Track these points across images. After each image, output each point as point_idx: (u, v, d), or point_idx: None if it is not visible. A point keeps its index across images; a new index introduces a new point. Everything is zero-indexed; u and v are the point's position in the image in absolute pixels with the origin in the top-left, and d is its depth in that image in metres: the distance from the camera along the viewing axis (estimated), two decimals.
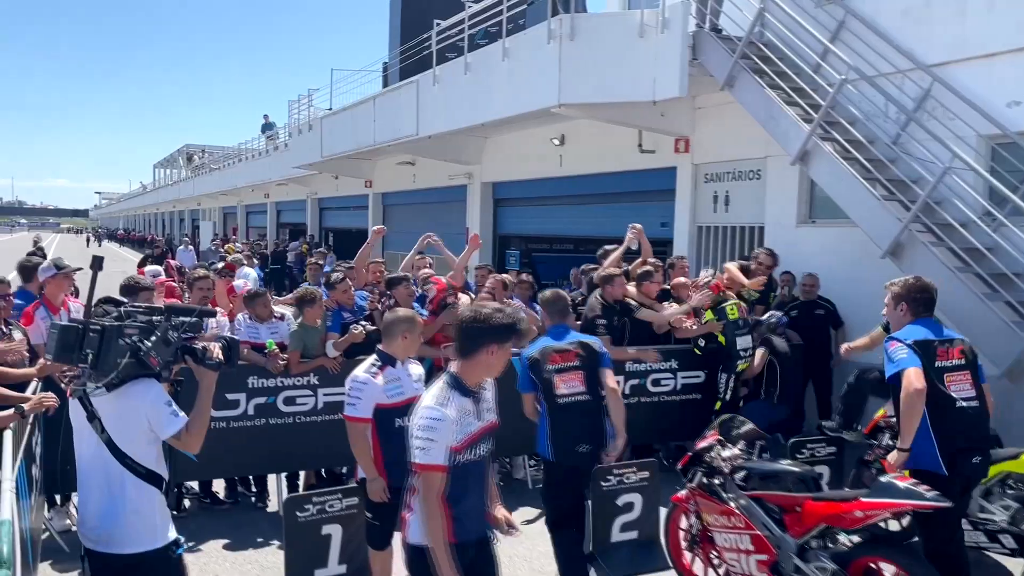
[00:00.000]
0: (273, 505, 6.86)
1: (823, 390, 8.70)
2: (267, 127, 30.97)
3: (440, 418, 3.17)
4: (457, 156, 16.76)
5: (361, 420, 4.59)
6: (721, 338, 7.37)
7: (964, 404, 4.44)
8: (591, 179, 13.69)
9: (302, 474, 7.08)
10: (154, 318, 3.29)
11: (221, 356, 3.40)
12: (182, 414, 3.26)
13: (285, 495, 6.73)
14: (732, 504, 4.48)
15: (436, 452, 3.17)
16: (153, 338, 3.20)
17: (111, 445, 3.18)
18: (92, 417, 3.21)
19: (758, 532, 4.30)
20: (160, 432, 3.22)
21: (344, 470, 6.93)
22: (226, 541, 6.19)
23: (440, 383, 3.32)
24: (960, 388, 4.48)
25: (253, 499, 6.96)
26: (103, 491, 3.22)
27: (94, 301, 3.47)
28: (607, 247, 9.46)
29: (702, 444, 4.74)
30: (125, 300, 3.77)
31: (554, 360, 5.05)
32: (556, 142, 14.12)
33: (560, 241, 16.87)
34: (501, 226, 17.35)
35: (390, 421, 4.59)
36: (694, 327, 7.57)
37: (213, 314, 5.20)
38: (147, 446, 3.24)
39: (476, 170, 17.12)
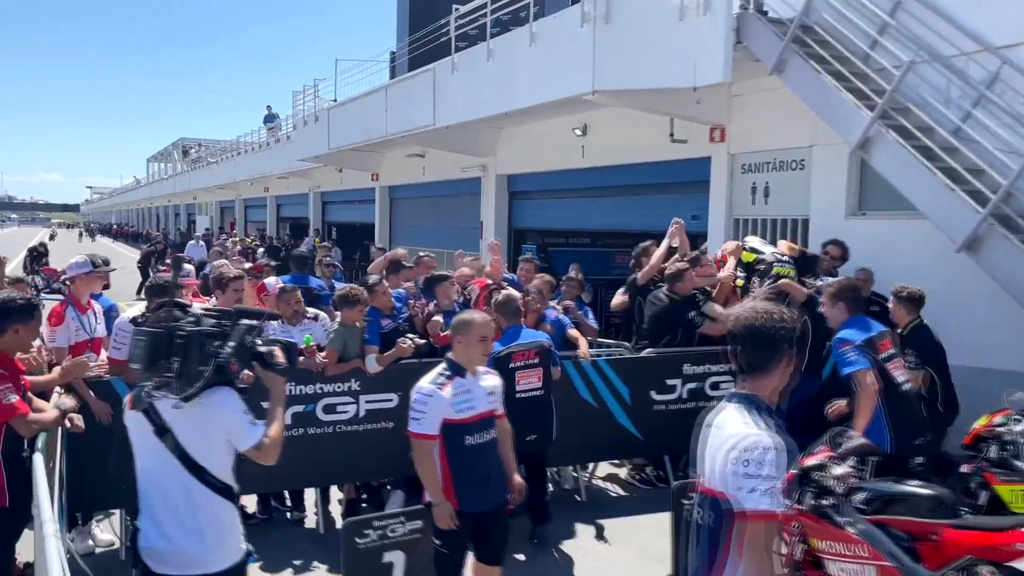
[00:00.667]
0: (310, 520, 6.37)
1: None
2: (270, 118, 30.32)
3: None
4: (471, 148, 16.25)
5: (426, 437, 4.12)
6: None
7: (905, 388, 5.13)
8: (616, 170, 13.20)
9: (335, 487, 6.59)
10: (223, 322, 3.11)
11: (284, 360, 3.22)
12: (260, 423, 3.10)
13: (321, 509, 6.25)
14: (850, 530, 3.99)
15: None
16: (231, 344, 3.01)
17: (186, 460, 2.98)
18: (162, 431, 2.98)
19: (886, 563, 3.82)
20: (239, 443, 3.06)
21: (387, 484, 6.44)
22: (262, 561, 5.69)
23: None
24: (899, 374, 5.12)
25: (288, 514, 6.46)
26: (180, 510, 3.00)
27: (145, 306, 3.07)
28: (644, 244, 8.98)
29: (811, 461, 4.25)
30: (185, 303, 3.38)
31: (516, 358, 5.77)
32: (578, 132, 13.62)
33: (579, 235, 16.39)
34: (517, 220, 16.85)
35: (459, 438, 4.13)
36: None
37: (277, 317, 4.75)
38: (224, 458, 3.07)
39: (491, 162, 16.61)
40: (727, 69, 8.98)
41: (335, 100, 21.01)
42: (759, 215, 10.51)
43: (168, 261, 13.82)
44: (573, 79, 10.23)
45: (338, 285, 7.77)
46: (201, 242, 24.24)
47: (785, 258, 8.07)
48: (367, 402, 6.12)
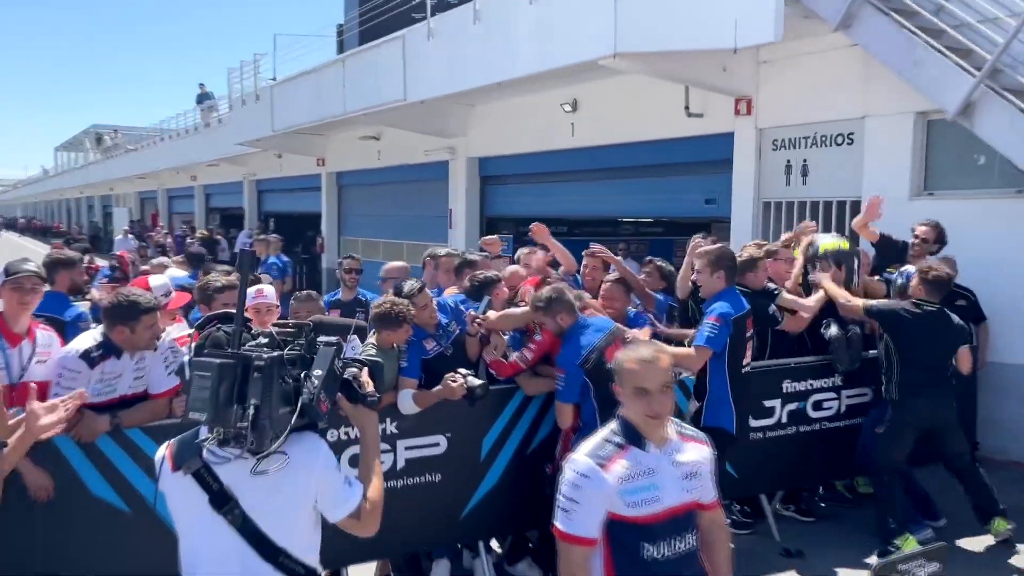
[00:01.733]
0: None
1: (967, 401, 7.02)
2: (203, 98, 27.78)
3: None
4: (438, 128, 14.67)
5: (580, 541, 2.61)
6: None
7: (747, 370, 5.10)
8: (612, 150, 11.82)
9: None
10: (299, 341, 2.33)
11: (373, 388, 2.52)
12: (357, 482, 2.37)
13: None
14: None
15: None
16: (318, 372, 2.24)
17: (259, 540, 2.22)
18: (222, 501, 2.21)
19: None
20: (332, 511, 2.31)
21: (429, 553, 4.92)
22: None
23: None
24: (747, 356, 5.10)
25: None
26: None
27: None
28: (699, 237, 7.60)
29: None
30: (245, 316, 2.38)
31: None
32: (567, 108, 12.20)
33: (561, 223, 14.98)
34: (489, 207, 15.35)
35: (634, 545, 2.63)
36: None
37: (363, 329, 3.26)
38: (310, 534, 2.35)
39: (460, 143, 15.05)
40: (779, 25, 7.68)
41: (274, 79, 19.09)
42: (795, 197, 9.30)
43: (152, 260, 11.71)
44: (589, 41, 8.81)
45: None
46: (130, 236, 21.93)
47: (833, 235, 6.89)
48: (407, 448, 4.59)
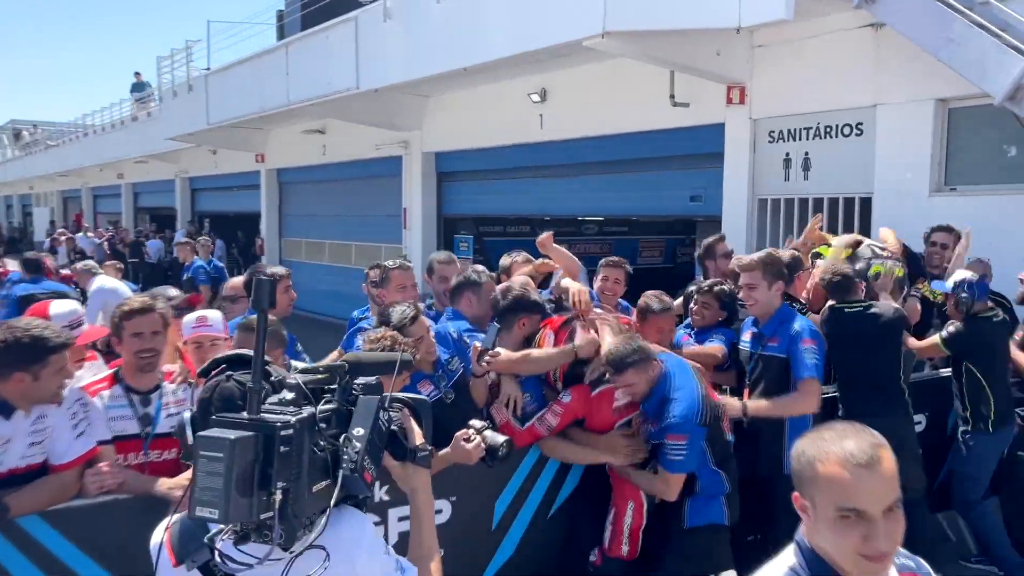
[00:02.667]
0: None
1: None
2: (138, 87, 25.88)
3: None
4: (390, 120, 13.55)
5: None
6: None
7: None
8: (586, 144, 10.91)
9: None
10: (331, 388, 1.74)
11: (424, 439, 1.94)
12: (408, 565, 1.82)
13: None
14: None
15: None
16: (359, 431, 1.67)
17: None
18: None
19: None
20: None
21: None
22: None
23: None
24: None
25: None
26: None
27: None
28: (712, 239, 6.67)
29: None
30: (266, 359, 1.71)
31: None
32: (536, 98, 11.24)
33: (524, 223, 14.04)
34: (447, 206, 14.29)
35: None
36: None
37: (409, 364, 2.32)
38: None
39: (414, 137, 13.96)
40: (790, 1, 6.86)
41: (208, 68, 17.69)
42: (795, 193, 8.49)
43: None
44: (574, 18, 7.85)
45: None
46: (90, 233, 20.15)
47: (886, 253, 6.02)
48: (401, 519, 3.54)
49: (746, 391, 4.20)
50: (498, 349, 3.86)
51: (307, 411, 1.65)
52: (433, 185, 14.17)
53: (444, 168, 14.05)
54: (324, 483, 1.64)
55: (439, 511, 3.63)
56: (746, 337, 4.31)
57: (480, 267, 4.78)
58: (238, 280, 5.45)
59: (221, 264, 13.84)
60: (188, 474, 2.95)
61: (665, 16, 7.52)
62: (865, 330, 4.45)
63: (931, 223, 7.16)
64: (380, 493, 3.51)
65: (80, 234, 21.48)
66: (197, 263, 11.61)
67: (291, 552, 1.58)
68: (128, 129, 24.79)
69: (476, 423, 3.39)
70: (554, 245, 5.10)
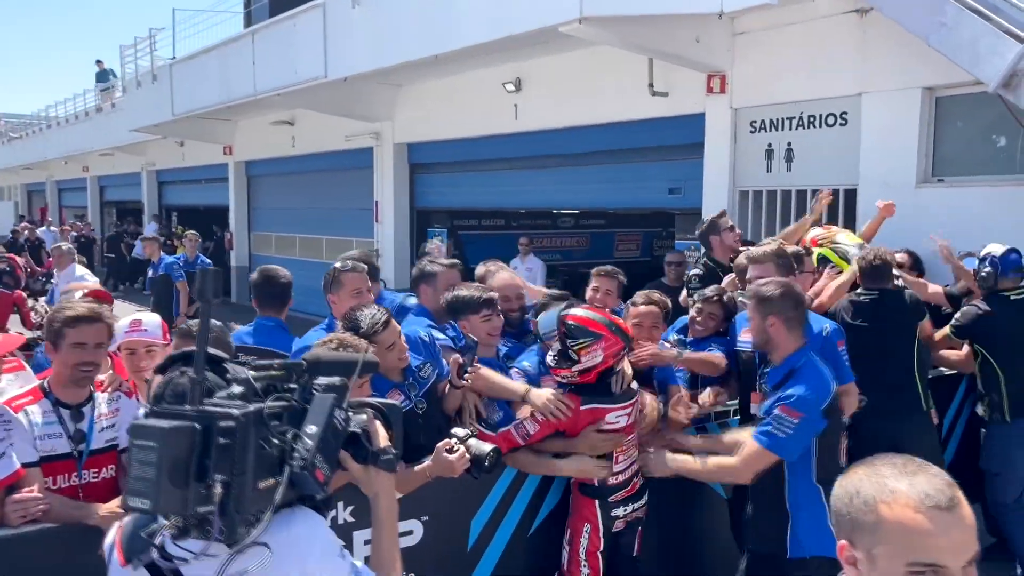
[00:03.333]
0: None
1: None
2: (102, 76, 25.09)
3: None
4: (360, 110, 13.17)
5: None
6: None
7: None
8: (563, 134, 10.61)
9: None
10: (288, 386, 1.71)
11: (391, 442, 1.84)
12: (367, 571, 1.73)
13: None
14: None
15: None
16: (312, 428, 1.62)
17: None
18: None
19: None
20: None
21: None
22: None
23: None
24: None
25: None
26: None
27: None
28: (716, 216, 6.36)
29: None
30: (218, 354, 1.73)
31: None
32: (510, 88, 10.94)
33: (498, 216, 13.76)
34: (420, 198, 13.93)
35: None
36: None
37: (376, 367, 2.20)
38: None
39: (386, 128, 13.59)
40: None
41: (173, 58, 17.18)
42: (777, 185, 8.27)
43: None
44: (550, 3, 7.57)
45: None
46: (52, 227, 19.54)
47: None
48: (366, 543, 3.23)
49: (754, 394, 3.83)
50: (478, 364, 3.56)
51: (255, 406, 1.59)
52: (405, 177, 13.82)
53: (417, 160, 13.71)
54: (272, 480, 1.58)
55: (410, 532, 3.34)
56: (744, 336, 3.89)
57: (433, 259, 4.49)
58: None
59: (208, 261, 13.25)
60: None
61: (644, 1, 7.24)
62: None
63: (918, 215, 6.99)
64: (344, 514, 3.22)
65: (43, 228, 20.87)
66: (167, 259, 11.12)
67: (232, 548, 1.54)
68: (92, 121, 24.14)
69: (459, 431, 3.13)
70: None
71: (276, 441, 1.60)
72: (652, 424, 3.72)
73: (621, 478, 3.56)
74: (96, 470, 2.96)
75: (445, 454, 2.99)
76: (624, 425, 3.51)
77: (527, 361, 3.82)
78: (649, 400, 3.74)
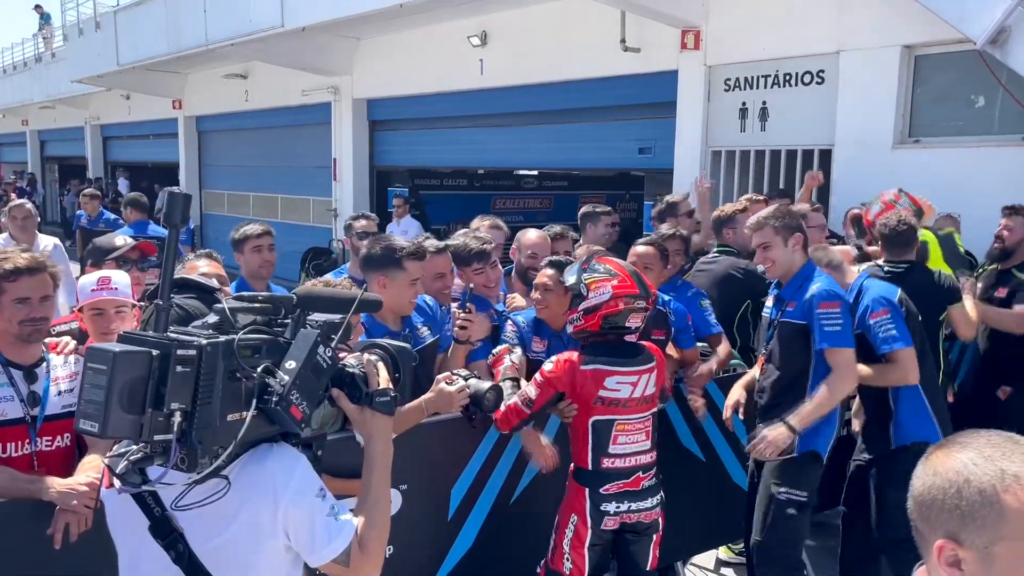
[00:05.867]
0: None
1: None
2: (44, 21, 23.84)
3: None
4: (318, 64, 12.70)
5: None
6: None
7: None
8: (530, 91, 10.33)
9: None
10: (276, 319, 1.73)
11: (391, 384, 1.82)
12: (348, 514, 1.71)
13: None
14: None
15: None
16: (291, 364, 1.62)
17: None
18: (164, 530, 1.67)
19: None
20: (311, 553, 1.68)
21: None
22: None
23: None
24: None
25: None
26: None
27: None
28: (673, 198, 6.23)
29: None
30: (208, 284, 2.02)
31: None
32: (475, 41, 10.58)
33: (462, 176, 13.44)
34: (380, 157, 13.55)
35: None
36: None
37: (376, 306, 1.96)
38: None
39: (344, 82, 13.14)
40: None
41: (117, 4, 16.39)
42: (751, 145, 8.12)
43: None
44: None
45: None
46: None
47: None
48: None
49: (760, 359, 3.72)
50: (471, 306, 3.43)
51: (225, 337, 1.58)
52: (365, 134, 13.41)
53: (377, 116, 13.29)
54: (242, 413, 1.58)
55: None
56: (768, 302, 3.79)
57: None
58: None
59: (113, 217, 12.59)
60: (83, 474, 2.39)
61: None
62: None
63: (895, 177, 6.84)
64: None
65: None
66: (105, 214, 10.55)
67: (191, 478, 1.54)
68: (31, 71, 23.07)
69: (462, 371, 3.01)
70: None
71: (252, 374, 1.59)
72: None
73: (619, 463, 3.13)
74: (51, 437, 2.67)
75: (445, 385, 2.82)
76: (627, 396, 3.11)
77: (522, 316, 3.67)
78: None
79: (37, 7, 24.14)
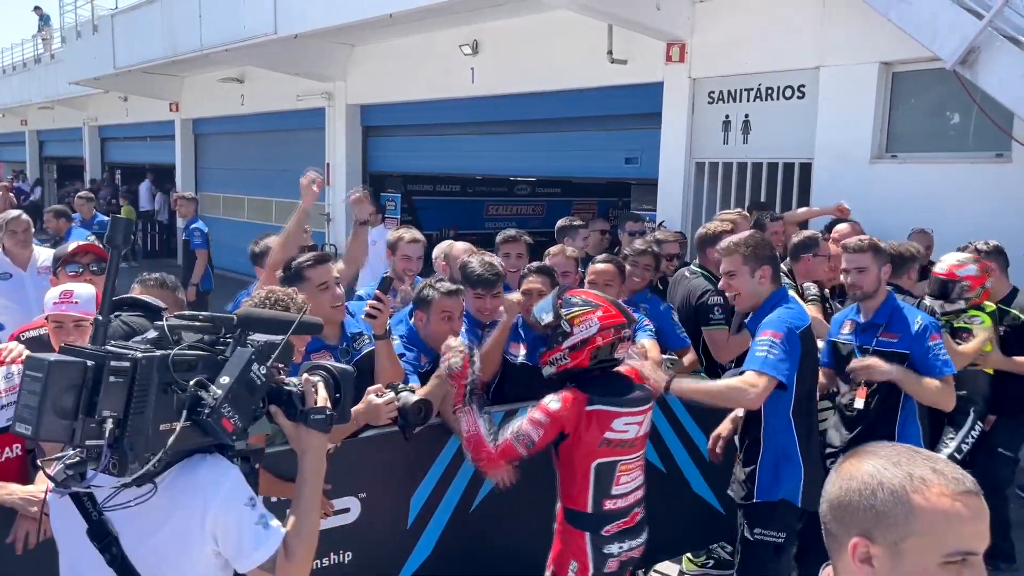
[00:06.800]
0: None
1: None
2: (44, 22, 23.90)
3: None
4: (312, 69, 12.79)
5: None
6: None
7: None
8: (520, 100, 10.41)
9: None
10: (218, 337, 1.84)
11: (329, 403, 1.92)
12: (276, 523, 1.81)
13: None
14: None
15: None
16: (225, 379, 1.73)
17: None
18: (100, 533, 1.77)
19: None
20: (239, 559, 1.77)
21: None
22: None
23: None
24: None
25: None
26: None
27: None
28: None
29: None
30: (156, 304, 2.01)
31: None
32: (467, 50, 10.67)
33: (453, 182, 13.52)
34: (373, 162, 13.64)
35: None
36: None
37: (317, 328, 2.10)
38: None
39: (338, 88, 13.22)
40: None
41: (116, 7, 16.49)
42: (733, 157, 8.21)
43: None
44: None
45: None
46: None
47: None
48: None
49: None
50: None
51: (161, 352, 1.68)
52: (358, 140, 13.50)
53: (370, 122, 13.38)
54: (179, 427, 1.66)
55: (347, 510, 3.20)
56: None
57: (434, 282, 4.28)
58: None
59: (107, 219, 12.43)
60: (42, 482, 2.47)
61: None
62: None
63: (872, 191, 7.00)
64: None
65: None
66: (192, 225, 9.58)
67: (122, 482, 1.64)
68: (31, 72, 23.16)
69: (397, 383, 3.00)
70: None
71: (186, 389, 1.69)
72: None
73: (621, 504, 3.04)
74: None
75: (372, 397, 2.85)
76: (632, 437, 3.03)
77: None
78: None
79: (36, 8, 24.23)
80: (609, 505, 3.02)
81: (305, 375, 1.94)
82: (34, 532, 2.50)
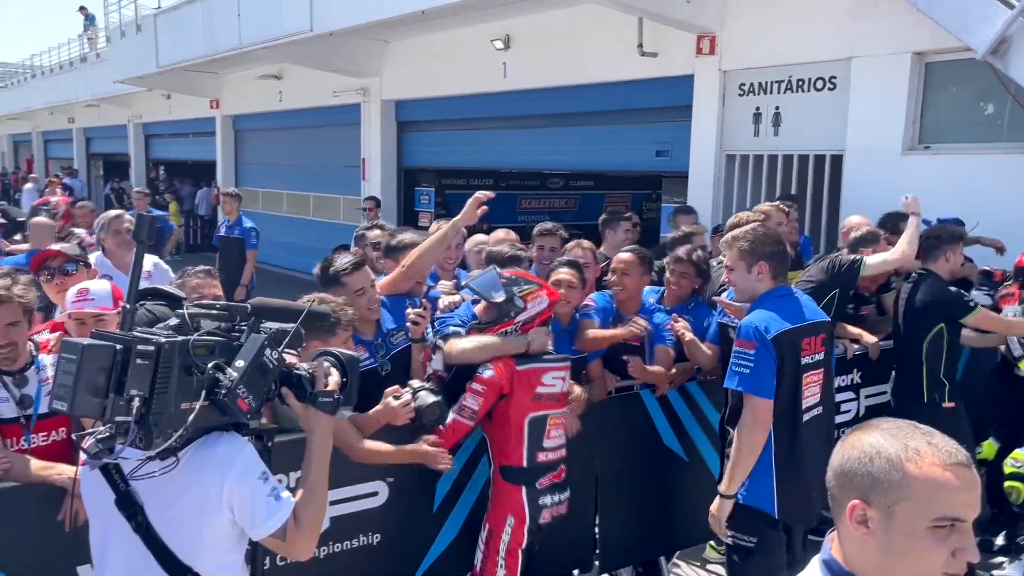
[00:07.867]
0: None
1: None
2: (89, 21, 24.51)
3: None
4: (348, 66, 12.98)
5: None
6: None
7: (809, 416, 3.36)
8: (551, 94, 10.49)
9: None
10: (233, 324, 2.01)
11: (337, 387, 2.05)
12: (287, 495, 1.98)
13: None
14: None
15: None
16: (240, 363, 1.89)
17: (163, 553, 1.93)
18: (127, 503, 1.95)
19: None
20: (253, 527, 1.95)
21: None
22: None
23: None
24: (811, 392, 3.37)
25: None
26: None
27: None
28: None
29: None
30: (177, 294, 2.33)
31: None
32: (499, 45, 10.77)
33: (487, 175, 13.63)
34: (407, 157, 13.81)
35: None
36: None
37: (324, 318, 2.41)
38: (227, 552, 1.99)
39: (374, 84, 13.40)
40: None
41: (158, 7, 16.85)
42: (764, 150, 8.20)
43: None
44: None
45: None
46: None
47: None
48: (332, 503, 3.23)
49: None
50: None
51: (182, 338, 1.86)
52: (393, 135, 13.68)
53: (404, 117, 13.55)
54: (198, 405, 1.83)
55: (375, 494, 3.35)
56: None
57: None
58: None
59: (159, 213, 12.67)
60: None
61: None
62: None
63: (904, 183, 6.90)
64: None
65: (29, 185, 20.55)
66: (244, 223, 9.25)
67: (148, 455, 1.81)
68: (77, 71, 23.75)
69: (414, 383, 3.17)
70: None
71: (206, 371, 1.86)
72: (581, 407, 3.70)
73: (552, 456, 3.39)
74: (45, 434, 2.91)
75: (390, 400, 3.04)
76: (559, 391, 3.41)
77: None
78: (577, 390, 3.70)
79: (82, 8, 24.81)
80: (542, 457, 3.35)
81: (319, 360, 2.10)
82: (83, 510, 2.67)
